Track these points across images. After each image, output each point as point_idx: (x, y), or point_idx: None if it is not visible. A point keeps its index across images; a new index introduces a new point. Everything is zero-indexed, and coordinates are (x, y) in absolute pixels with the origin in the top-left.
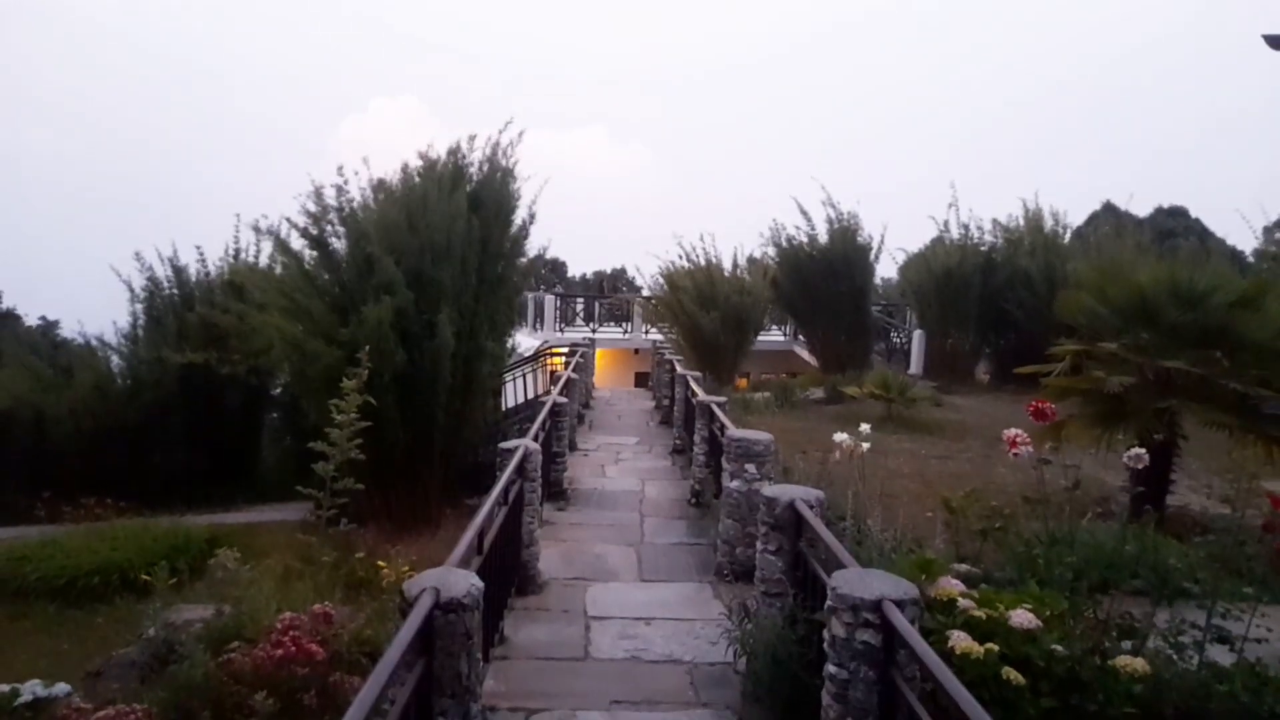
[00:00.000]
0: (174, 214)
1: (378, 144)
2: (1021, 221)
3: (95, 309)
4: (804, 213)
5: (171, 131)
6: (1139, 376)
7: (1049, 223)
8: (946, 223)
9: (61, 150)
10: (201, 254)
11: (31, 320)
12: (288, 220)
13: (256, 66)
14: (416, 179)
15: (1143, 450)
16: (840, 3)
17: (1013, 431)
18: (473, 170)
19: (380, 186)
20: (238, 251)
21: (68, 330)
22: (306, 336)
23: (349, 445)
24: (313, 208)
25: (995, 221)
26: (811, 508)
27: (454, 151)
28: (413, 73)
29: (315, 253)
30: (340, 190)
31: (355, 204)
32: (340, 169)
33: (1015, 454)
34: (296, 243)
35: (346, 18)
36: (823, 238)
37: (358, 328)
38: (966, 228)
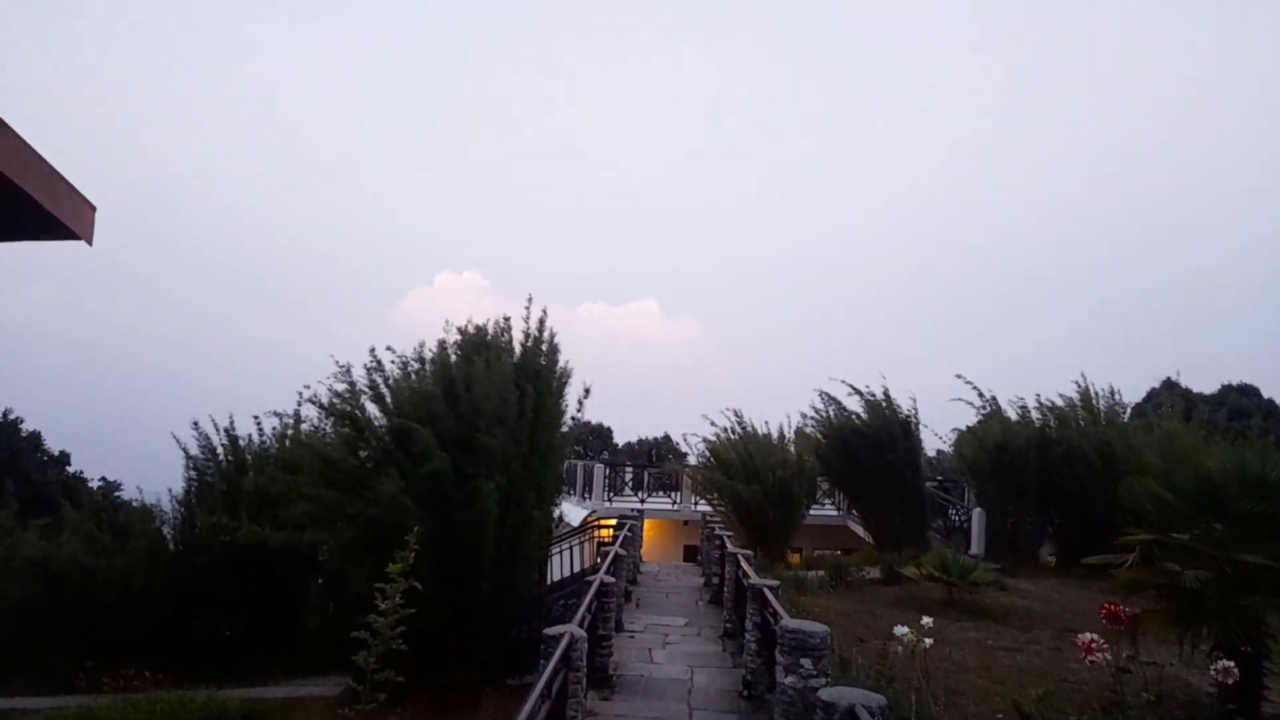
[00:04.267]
0: (241, 380)
1: (439, 316)
2: (1076, 397)
3: (156, 473)
4: (836, 398)
5: (240, 299)
6: (1216, 570)
7: (1102, 403)
8: (994, 399)
9: (134, 320)
10: (260, 422)
11: (94, 482)
12: (312, 401)
13: (323, 236)
14: (453, 356)
15: (1231, 664)
16: (878, 187)
17: (1088, 636)
18: (516, 342)
19: (419, 359)
20: (297, 419)
21: (129, 491)
22: (340, 506)
23: (392, 634)
24: (341, 386)
25: (1039, 399)
26: (873, 715)
27: (499, 326)
28: (478, 250)
29: (347, 428)
30: (370, 369)
31: (392, 378)
32: (372, 350)
33: (1092, 660)
34: (328, 418)
35: (415, 198)
36: (863, 414)
37: (371, 503)
38: (1024, 406)
